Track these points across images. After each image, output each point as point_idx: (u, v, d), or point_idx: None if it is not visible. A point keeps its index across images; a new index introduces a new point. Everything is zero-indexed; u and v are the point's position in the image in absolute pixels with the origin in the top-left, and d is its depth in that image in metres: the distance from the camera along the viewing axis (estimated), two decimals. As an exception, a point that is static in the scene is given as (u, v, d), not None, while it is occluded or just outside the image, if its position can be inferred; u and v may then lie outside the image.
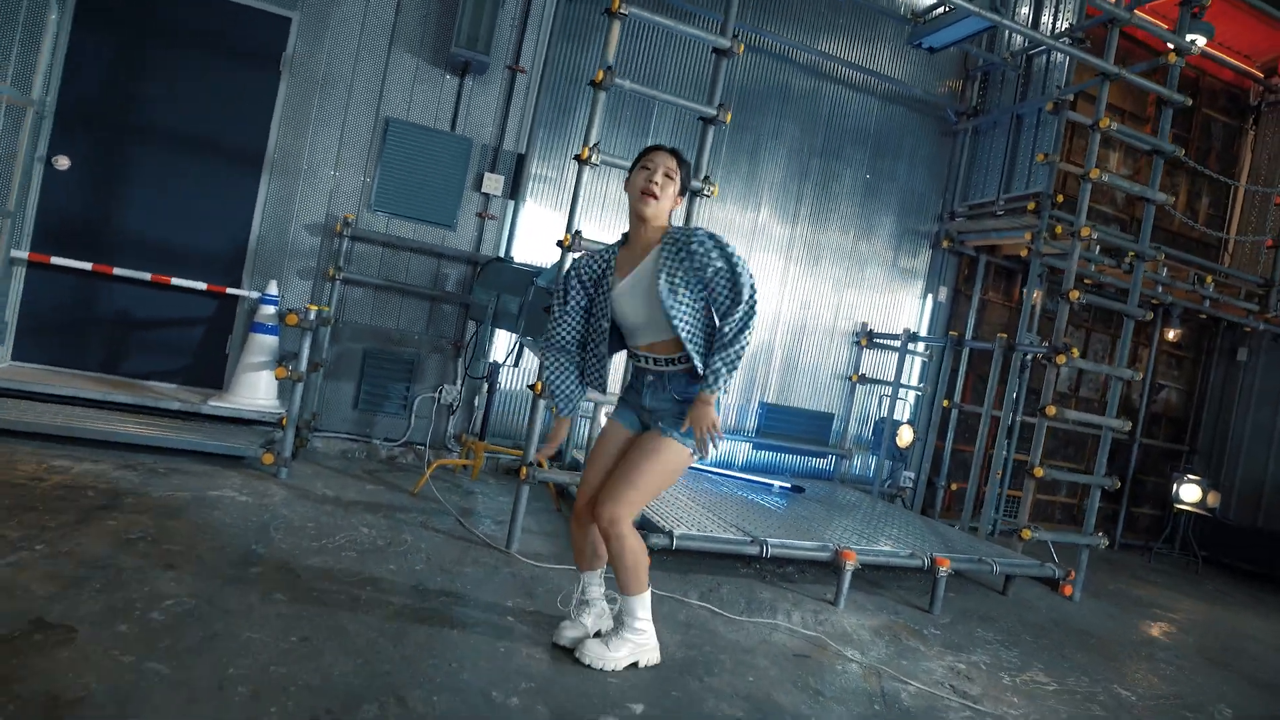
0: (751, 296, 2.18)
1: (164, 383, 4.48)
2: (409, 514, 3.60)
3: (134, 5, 4.30)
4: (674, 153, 2.32)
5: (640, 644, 2.35)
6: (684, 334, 2.21)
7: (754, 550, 3.32)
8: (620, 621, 2.37)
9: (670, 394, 2.30)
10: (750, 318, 2.18)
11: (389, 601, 2.52)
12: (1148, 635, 3.97)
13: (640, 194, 2.28)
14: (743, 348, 2.18)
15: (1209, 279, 6.12)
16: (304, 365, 3.83)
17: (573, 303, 2.41)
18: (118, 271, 4.22)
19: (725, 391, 2.24)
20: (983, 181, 6.15)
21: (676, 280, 2.21)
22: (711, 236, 2.23)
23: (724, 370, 2.17)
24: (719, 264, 2.18)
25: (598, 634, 2.44)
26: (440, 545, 3.21)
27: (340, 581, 2.61)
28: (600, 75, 3.15)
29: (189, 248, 4.48)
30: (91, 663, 1.81)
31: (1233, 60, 7.09)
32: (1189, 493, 6.45)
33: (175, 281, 4.31)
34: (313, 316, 3.82)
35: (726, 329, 2.17)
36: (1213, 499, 6.46)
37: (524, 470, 3.20)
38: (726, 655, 2.62)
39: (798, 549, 3.42)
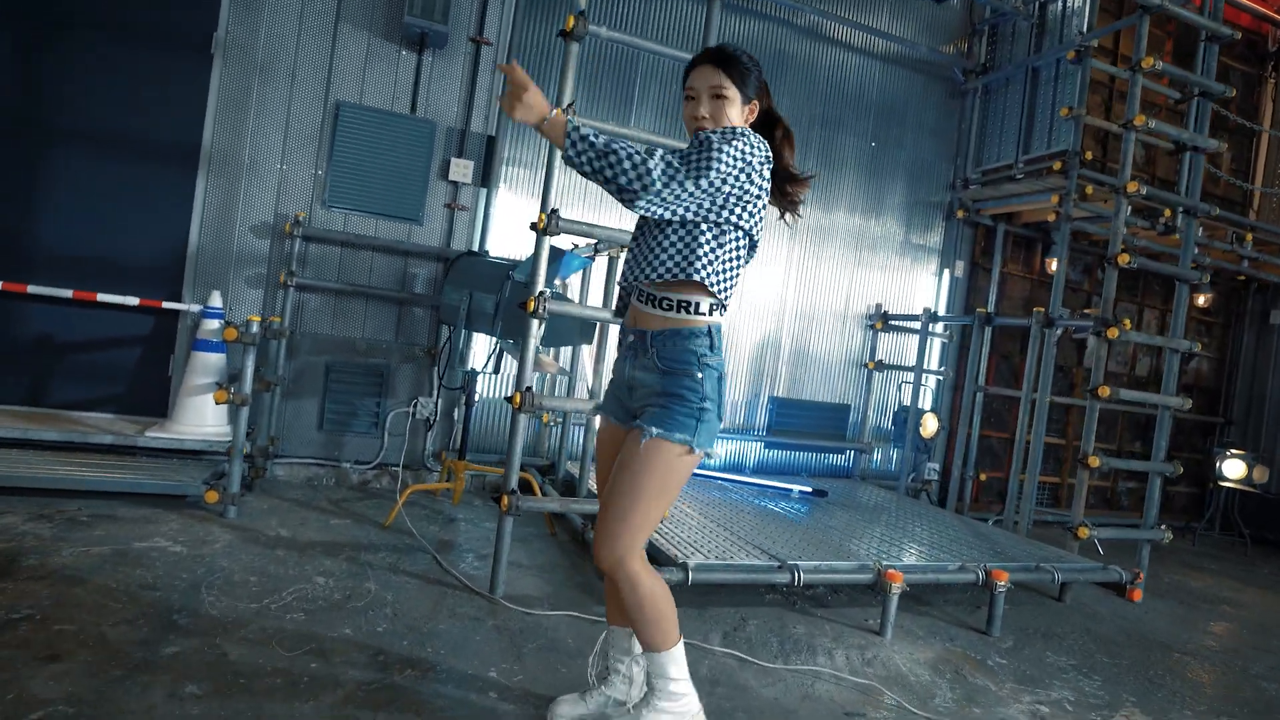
0: (691, 160, 1.65)
1: (98, 413, 3.95)
2: (377, 553, 3.08)
3: (37, -15, 3.76)
4: (719, 60, 1.78)
5: (680, 712, 1.83)
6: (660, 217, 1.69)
7: (784, 578, 2.81)
8: (651, 687, 1.84)
9: (653, 358, 1.76)
10: (659, 170, 1.62)
11: (339, 682, 2.01)
12: (1229, 640, 3.48)
13: (690, 132, 1.79)
14: (613, 157, 1.61)
15: (1249, 236, 5.64)
16: (248, 386, 3.30)
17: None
18: (33, 289, 3.68)
19: (571, 142, 1.63)
20: (997, 144, 5.64)
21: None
22: (727, 130, 1.71)
23: (593, 137, 1.62)
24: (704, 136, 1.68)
25: (620, 704, 1.93)
26: (411, 595, 2.69)
27: (280, 656, 2.09)
28: (571, 22, 2.62)
29: (118, 259, 3.94)
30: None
31: (1251, 3, 6.60)
32: (1233, 469, 5.99)
33: (102, 297, 3.77)
34: (255, 330, 3.29)
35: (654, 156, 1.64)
36: (1259, 474, 5.99)
37: (505, 500, 2.67)
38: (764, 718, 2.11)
39: (835, 573, 2.91)
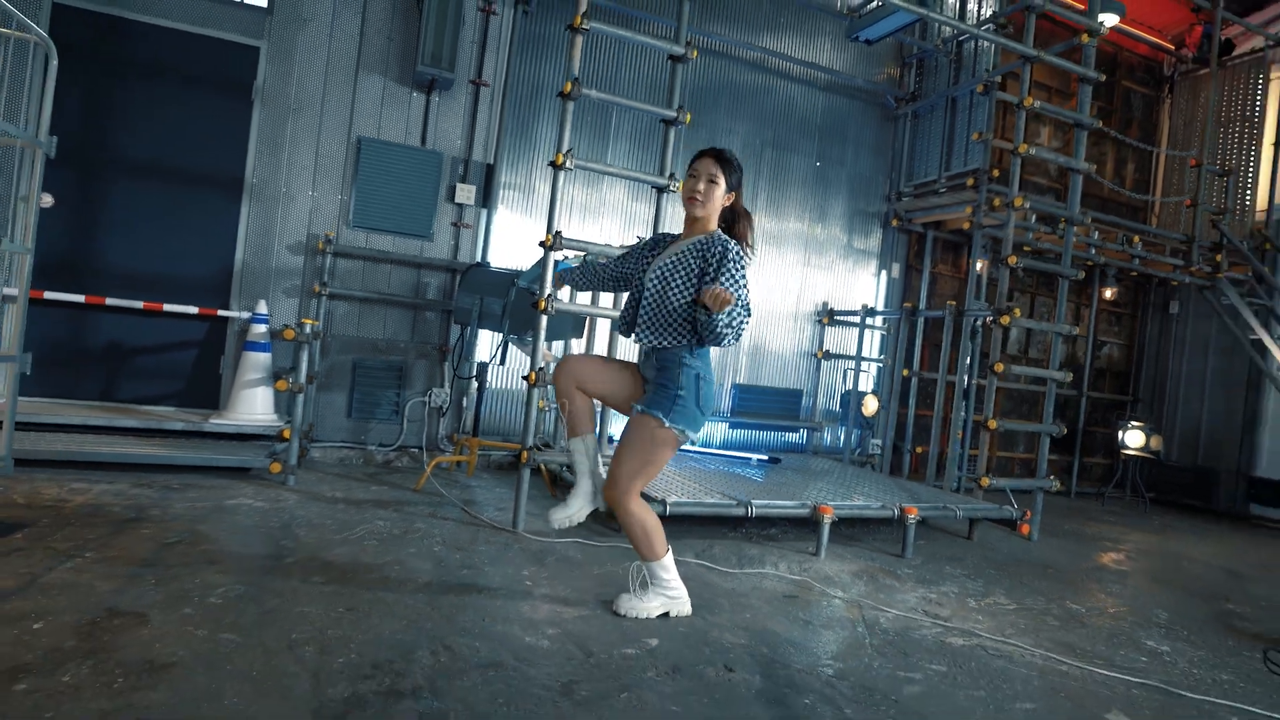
0: (741, 299, 2.39)
1: (162, 406, 4.64)
2: (416, 507, 3.83)
3: (104, 42, 4.46)
4: (718, 157, 2.53)
5: (672, 598, 2.63)
6: (645, 307, 2.49)
7: (740, 512, 3.63)
8: (647, 585, 2.63)
9: (653, 365, 2.53)
10: (738, 317, 2.36)
11: (417, 576, 2.77)
12: (1099, 564, 4.38)
13: (686, 199, 2.55)
14: (727, 330, 2.35)
15: (1136, 239, 6.61)
16: (303, 376, 4.04)
17: (626, 256, 2.74)
18: (110, 302, 4.38)
19: (719, 334, 2.35)
20: (925, 162, 6.56)
21: (672, 268, 2.49)
22: (731, 247, 2.45)
23: (729, 333, 2.37)
24: (717, 263, 2.42)
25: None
26: (452, 530, 3.46)
27: (368, 564, 2.85)
28: (569, 87, 3.42)
29: (177, 274, 4.65)
30: (171, 637, 2.04)
31: (1146, 35, 7.62)
32: (1134, 438, 6.95)
33: (167, 307, 4.48)
34: (308, 330, 4.03)
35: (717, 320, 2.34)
36: (1156, 443, 6.97)
37: (524, 454, 3.46)
38: (724, 599, 2.92)
39: (780, 508, 3.74)
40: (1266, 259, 7.02)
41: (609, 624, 2.52)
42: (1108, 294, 7.69)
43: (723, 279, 2.39)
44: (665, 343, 2.48)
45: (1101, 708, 2.31)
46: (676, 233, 2.69)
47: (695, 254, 2.49)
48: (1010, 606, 3.28)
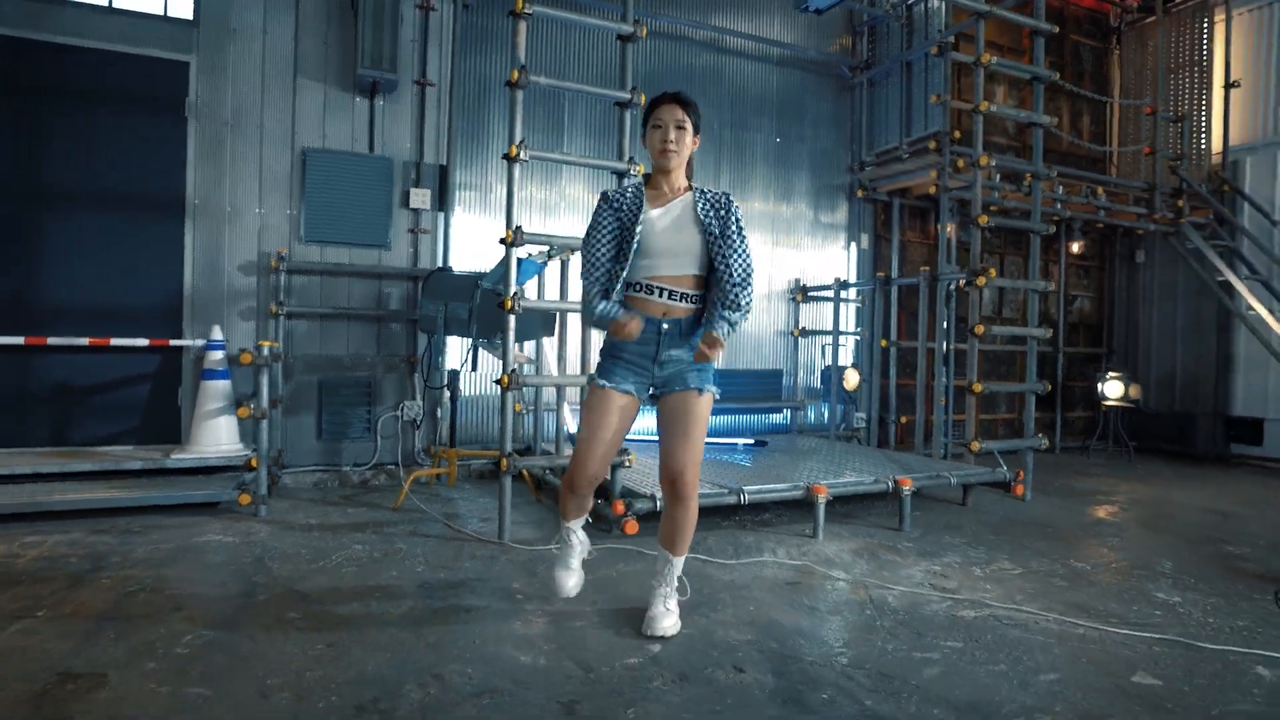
0: (750, 264, 2.37)
1: (119, 445, 4.40)
2: (396, 527, 3.67)
3: (20, 68, 4.20)
4: (679, 100, 2.35)
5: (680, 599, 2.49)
6: (720, 266, 2.33)
7: (732, 500, 3.52)
8: (670, 583, 2.43)
9: (690, 342, 2.34)
10: (751, 281, 2.36)
11: (401, 602, 2.62)
12: (1095, 518, 4.34)
13: (659, 153, 2.35)
14: (745, 306, 2.34)
15: (1100, 190, 6.61)
16: (265, 401, 3.84)
17: (607, 226, 2.37)
18: (53, 341, 4.13)
19: (729, 331, 2.34)
20: (884, 129, 6.48)
21: (712, 224, 2.34)
22: (737, 207, 2.39)
23: (737, 319, 2.35)
24: (736, 228, 2.35)
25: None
26: (435, 548, 3.30)
27: (348, 594, 2.68)
28: (515, 75, 3.26)
29: (124, 306, 4.41)
30: (132, 698, 1.87)
31: (1090, -14, 7.62)
32: (1113, 389, 6.97)
33: (115, 342, 4.24)
34: (266, 353, 3.83)
35: (734, 289, 2.30)
36: (1134, 392, 6.99)
37: (504, 461, 3.31)
38: (725, 594, 2.80)
39: (772, 492, 3.63)
40: (1226, 200, 7.07)
41: (608, 634, 2.39)
42: (1074, 248, 7.70)
43: (740, 244, 2.34)
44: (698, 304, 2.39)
45: (1126, 670, 2.23)
46: (629, 187, 2.45)
47: (711, 212, 2.35)
48: (1015, 571, 3.20)
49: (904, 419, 6.57)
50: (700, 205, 2.37)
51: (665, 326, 2.34)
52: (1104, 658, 2.32)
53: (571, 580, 2.54)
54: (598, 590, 2.77)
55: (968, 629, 2.52)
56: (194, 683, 1.97)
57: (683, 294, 2.35)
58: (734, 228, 2.35)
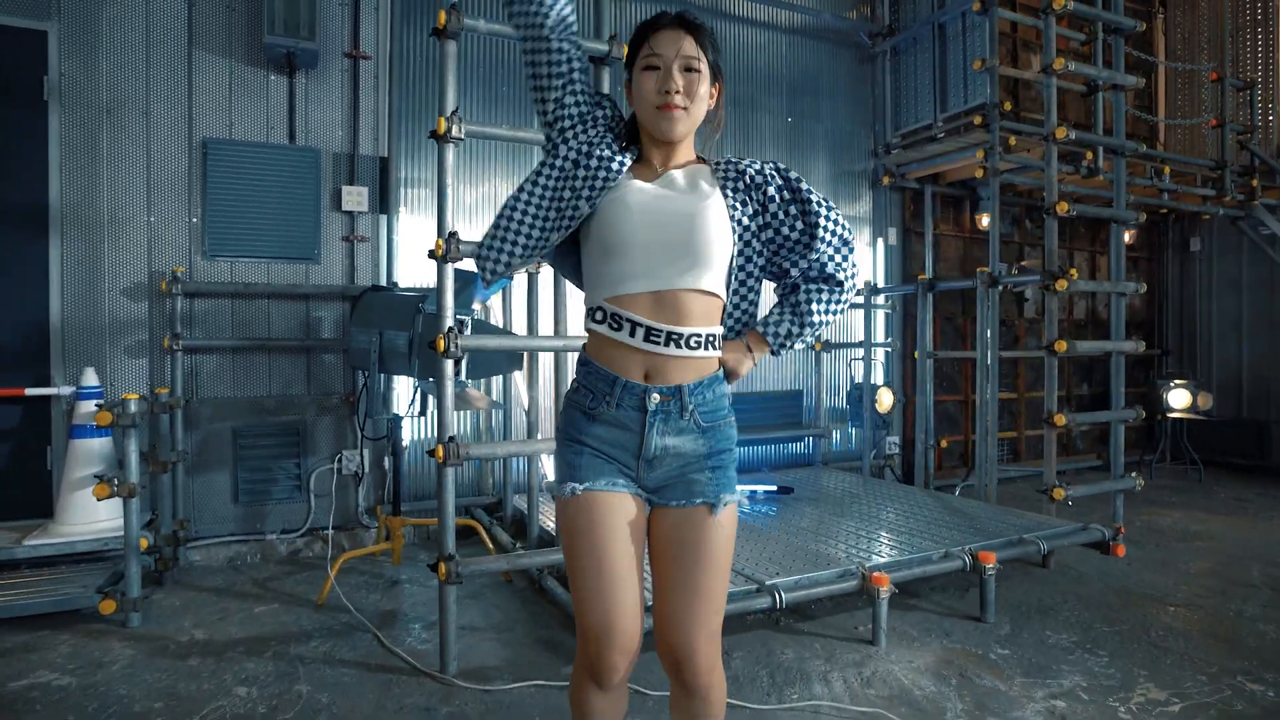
0: (847, 235, 1.47)
1: (-32, 525, 3.44)
2: (309, 642, 2.71)
3: None
4: (686, 25, 1.38)
5: None
6: (736, 282, 1.42)
7: (764, 603, 2.56)
8: None
9: (691, 418, 1.38)
10: (853, 262, 1.48)
11: (261, 834, 1.66)
12: (1218, 581, 3.40)
13: (656, 109, 1.37)
14: (834, 308, 1.48)
15: (1167, 169, 5.66)
16: (134, 474, 2.88)
17: (564, 155, 1.41)
18: None
19: (780, 347, 1.48)
20: (914, 105, 5.53)
21: (740, 211, 1.40)
22: (766, 163, 1.45)
23: (794, 327, 1.48)
24: (820, 205, 1.43)
25: None
26: (350, 691, 2.34)
27: (188, 811, 1.73)
28: (443, 18, 2.30)
29: (-34, 346, 3.44)
30: None
31: (1134, -61, 6.67)
32: (1179, 399, 6.04)
33: (-49, 394, 3.28)
34: (133, 408, 2.87)
35: (834, 253, 1.45)
36: (1204, 401, 6.06)
37: (443, 568, 2.34)
38: (769, 786, 1.85)
39: (817, 586, 2.67)
40: (1300, 178, 6.14)
41: None
42: (1125, 237, 6.76)
43: (832, 227, 1.45)
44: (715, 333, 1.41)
45: None
46: (603, 116, 1.45)
47: (745, 194, 1.41)
48: (1173, 706, 2.26)
49: (943, 442, 5.64)
50: (726, 185, 1.41)
51: (655, 399, 1.37)
52: None
53: None
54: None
55: None
56: None
57: (684, 337, 1.35)
58: (817, 206, 1.43)
